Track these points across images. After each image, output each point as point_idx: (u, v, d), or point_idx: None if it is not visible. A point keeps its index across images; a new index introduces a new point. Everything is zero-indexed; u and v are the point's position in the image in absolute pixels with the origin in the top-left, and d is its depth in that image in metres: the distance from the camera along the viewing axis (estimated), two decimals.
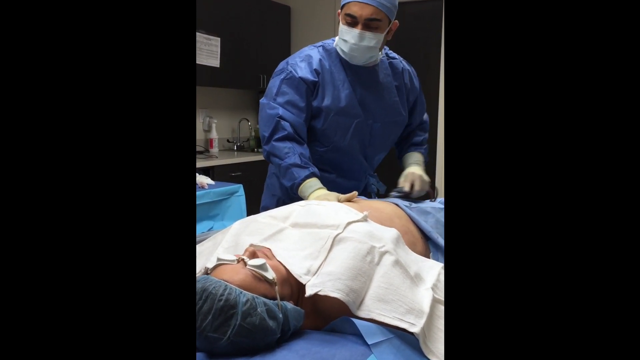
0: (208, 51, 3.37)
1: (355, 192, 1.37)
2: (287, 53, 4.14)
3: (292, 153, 1.42)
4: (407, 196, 1.50)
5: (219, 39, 3.43)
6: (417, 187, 1.51)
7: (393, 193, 1.53)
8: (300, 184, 1.40)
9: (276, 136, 1.45)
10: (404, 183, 1.53)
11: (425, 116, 1.76)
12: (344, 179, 1.60)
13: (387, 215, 1.20)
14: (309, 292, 0.84)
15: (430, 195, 1.55)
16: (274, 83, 1.51)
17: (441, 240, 1.20)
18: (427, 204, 1.35)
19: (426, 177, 1.55)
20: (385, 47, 1.59)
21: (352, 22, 1.39)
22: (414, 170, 1.57)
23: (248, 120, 4.12)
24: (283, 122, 1.45)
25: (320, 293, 0.84)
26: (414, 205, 1.33)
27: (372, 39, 1.41)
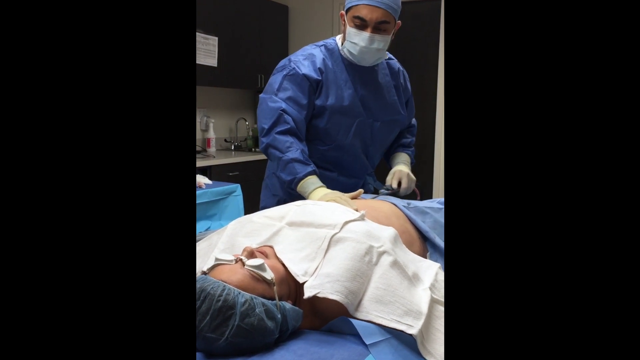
0: (206, 51, 3.37)
1: (361, 190, 1.39)
2: (285, 52, 4.13)
3: (294, 148, 1.41)
4: (394, 194, 1.52)
5: (216, 38, 3.43)
6: (404, 185, 1.53)
7: (382, 190, 1.55)
8: (301, 179, 1.40)
9: (278, 129, 1.43)
10: (391, 181, 1.55)
11: (414, 120, 1.78)
12: (345, 177, 1.61)
13: (384, 214, 1.20)
14: (307, 294, 0.84)
15: (415, 193, 1.59)
16: (276, 79, 1.49)
17: (439, 241, 1.20)
18: (424, 204, 1.35)
19: (412, 176, 1.58)
20: None
21: (362, 25, 1.39)
22: (401, 169, 1.59)
23: (246, 120, 4.11)
24: (286, 116, 1.44)
25: (319, 295, 0.83)
26: (412, 205, 1.33)
27: (381, 42, 1.42)
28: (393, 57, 1.64)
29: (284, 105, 1.44)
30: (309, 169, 1.40)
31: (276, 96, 1.47)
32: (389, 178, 1.57)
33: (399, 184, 1.55)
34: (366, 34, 1.39)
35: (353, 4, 1.39)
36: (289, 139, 1.43)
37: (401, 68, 1.66)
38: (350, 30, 1.42)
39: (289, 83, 1.47)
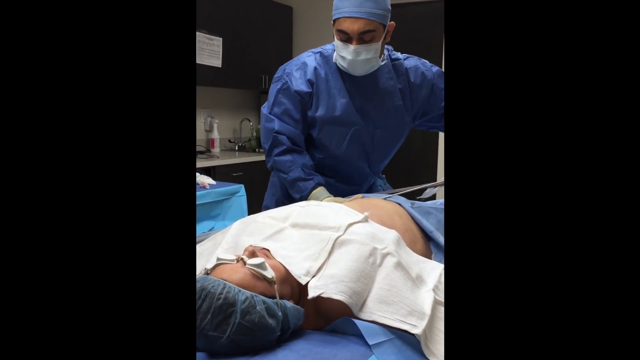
0: (210, 51, 3.37)
1: (359, 195, 1.39)
2: (289, 53, 4.13)
3: (294, 166, 1.47)
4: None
5: (220, 39, 3.44)
6: None
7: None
8: (307, 195, 1.45)
9: (276, 151, 1.49)
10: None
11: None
12: (343, 184, 1.61)
13: (387, 213, 1.20)
14: (311, 294, 0.84)
15: None
16: (272, 91, 1.54)
17: (443, 240, 1.20)
18: (428, 204, 1.35)
19: None
20: (389, 47, 1.58)
21: (346, 38, 1.37)
22: None
23: (249, 121, 4.12)
24: (280, 137, 1.48)
25: (323, 295, 0.83)
26: (416, 204, 1.33)
27: (368, 52, 1.38)
28: (400, 57, 1.58)
29: (277, 125, 1.49)
30: (312, 183, 1.46)
31: (272, 112, 1.52)
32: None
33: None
34: (351, 48, 1.37)
35: (335, 16, 1.38)
36: (288, 158, 1.48)
37: (412, 64, 1.57)
38: (337, 43, 1.41)
39: (283, 97, 1.50)
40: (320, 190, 1.45)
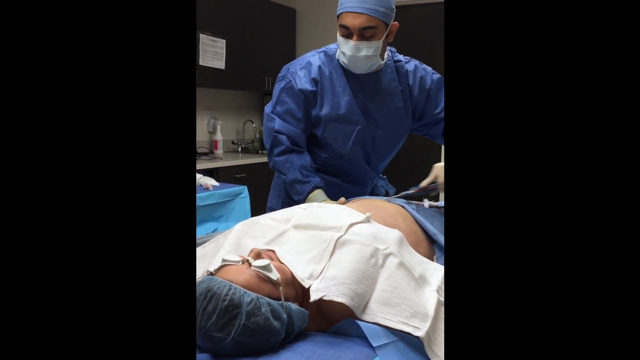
0: (213, 53, 3.38)
1: (342, 199, 1.38)
2: (292, 55, 4.14)
3: (292, 168, 1.47)
4: (426, 193, 1.51)
5: (224, 40, 3.44)
6: (440, 180, 1.48)
7: (404, 194, 1.52)
8: (305, 198, 1.45)
9: (276, 151, 1.49)
10: (429, 178, 1.52)
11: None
12: (349, 184, 1.60)
13: (391, 215, 1.20)
14: (313, 297, 0.84)
15: None
16: (276, 90, 1.54)
17: None
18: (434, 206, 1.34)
19: None
20: (392, 49, 1.58)
21: (347, 33, 1.38)
22: (440, 164, 1.55)
23: (253, 122, 4.12)
24: (280, 136, 1.48)
25: (325, 298, 0.83)
26: (420, 207, 1.32)
27: (369, 49, 1.39)
28: (402, 59, 1.58)
29: (277, 124, 1.49)
30: (309, 186, 1.45)
31: (274, 111, 1.52)
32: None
33: (435, 180, 1.50)
34: (351, 43, 1.38)
35: (339, 12, 1.39)
36: (286, 158, 1.48)
37: (412, 67, 1.57)
38: (340, 39, 1.41)
39: (286, 96, 1.50)
40: (317, 193, 1.44)
